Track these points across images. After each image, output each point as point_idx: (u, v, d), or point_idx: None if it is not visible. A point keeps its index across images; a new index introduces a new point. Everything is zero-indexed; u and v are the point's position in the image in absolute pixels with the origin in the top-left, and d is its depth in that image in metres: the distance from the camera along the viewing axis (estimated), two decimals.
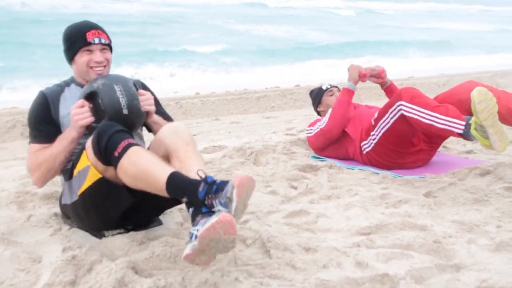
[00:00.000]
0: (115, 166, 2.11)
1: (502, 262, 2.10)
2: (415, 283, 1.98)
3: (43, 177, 2.46)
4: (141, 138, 2.72)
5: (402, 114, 3.26)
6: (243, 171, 3.55)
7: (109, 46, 2.61)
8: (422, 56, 16.28)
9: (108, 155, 2.12)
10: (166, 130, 2.31)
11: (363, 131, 3.61)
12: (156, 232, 2.47)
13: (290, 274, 2.04)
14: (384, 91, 3.97)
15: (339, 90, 4.06)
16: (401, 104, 3.25)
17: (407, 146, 3.47)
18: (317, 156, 3.91)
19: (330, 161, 3.74)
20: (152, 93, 2.64)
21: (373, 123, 3.50)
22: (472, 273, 2.02)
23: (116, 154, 2.09)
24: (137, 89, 2.46)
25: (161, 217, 2.65)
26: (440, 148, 3.89)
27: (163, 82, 11.01)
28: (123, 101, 2.34)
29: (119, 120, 2.30)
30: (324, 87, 4.13)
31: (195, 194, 1.93)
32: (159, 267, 2.10)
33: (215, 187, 1.91)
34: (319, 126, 3.80)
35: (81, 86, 2.57)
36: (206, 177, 1.97)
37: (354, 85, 3.77)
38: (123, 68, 11.30)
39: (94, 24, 2.59)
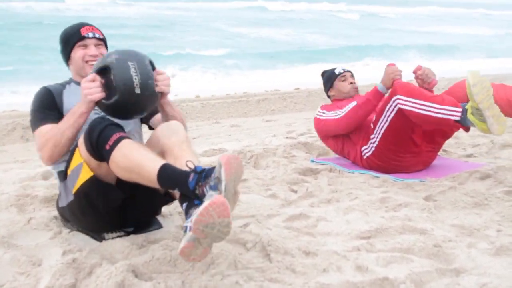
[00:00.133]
0: (107, 159, 2.10)
1: (502, 266, 2.10)
2: (415, 287, 1.98)
3: (51, 151, 2.37)
4: (140, 135, 2.73)
5: (399, 109, 3.26)
6: (243, 175, 3.55)
7: (104, 42, 2.65)
8: (423, 59, 16.29)
9: (100, 149, 2.11)
10: (162, 129, 2.32)
11: (363, 136, 3.60)
12: (156, 235, 2.47)
13: (290, 278, 2.04)
14: None
15: (352, 75, 3.96)
16: (397, 98, 3.26)
17: (407, 145, 3.43)
18: (316, 160, 3.91)
19: (330, 164, 3.74)
20: None
21: (372, 126, 3.50)
22: (472, 277, 2.02)
23: (107, 147, 2.09)
24: (153, 68, 2.33)
25: (161, 220, 2.66)
26: (440, 152, 3.89)
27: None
28: (136, 79, 2.20)
29: (131, 99, 2.22)
30: (337, 71, 3.96)
31: (186, 184, 1.93)
32: (159, 271, 2.10)
33: (204, 174, 1.92)
34: (337, 115, 3.64)
35: (80, 84, 2.58)
36: (195, 167, 1.97)
37: (386, 89, 3.53)
38: None
39: (87, 22, 2.68)
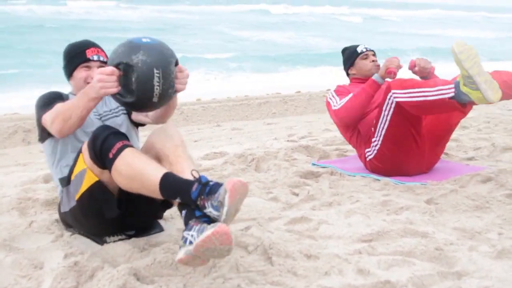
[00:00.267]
0: (110, 168, 2.11)
1: (504, 270, 2.10)
2: None
3: (59, 125, 2.30)
4: (137, 137, 2.75)
5: (396, 104, 3.25)
6: (244, 178, 3.55)
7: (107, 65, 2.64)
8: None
9: (103, 157, 2.13)
10: (156, 133, 2.32)
11: (367, 139, 3.59)
12: (157, 238, 2.48)
13: (292, 281, 2.04)
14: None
15: (374, 54, 3.89)
16: (392, 93, 3.26)
17: (410, 145, 3.41)
18: (317, 163, 3.91)
19: (331, 167, 3.74)
20: None
21: (372, 129, 3.49)
22: (474, 280, 2.02)
23: (110, 155, 2.10)
24: (176, 65, 2.22)
25: (162, 223, 2.66)
26: (442, 155, 3.88)
27: None
28: (157, 89, 2.11)
29: (145, 104, 2.18)
30: (359, 50, 3.85)
31: (188, 194, 1.94)
32: (160, 274, 2.10)
33: (208, 189, 1.92)
34: (334, 105, 3.60)
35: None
36: (200, 177, 1.97)
37: (382, 79, 3.52)
38: None
39: (94, 43, 2.67)
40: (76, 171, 2.30)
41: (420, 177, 3.47)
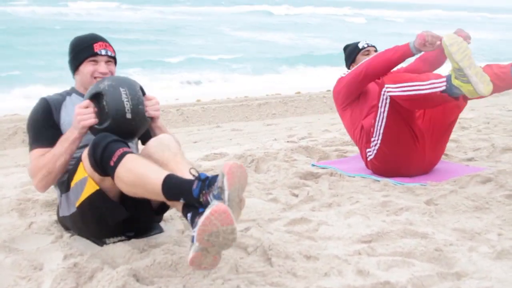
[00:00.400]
0: (112, 176, 2.11)
1: (503, 270, 2.10)
2: None
3: (44, 179, 2.40)
4: (137, 148, 2.74)
5: (391, 99, 3.26)
6: None
7: (114, 59, 2.64)
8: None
9: (104, 165, 2.12)
10: (153, 144, 2.30)
11: (367, 139, 3.58)
12: (157, 239, 2.47)
13: (292, 282, 2.04)
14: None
15: (376, 50, 3.89)
16: (386, 88, 3.27)
17: (409, 142, 3.40)
18: (317, 164, 3.92)
19: (331, 168, 3.74)
20: None
21: (372, 129, 3.49)
22: (473, 281, 2.02)
23: (111, 163, 2.09)
24: (143, 94, 2.44)
25: (162, 224, 2.66)
26: (442, 156, 3.88)
27: (163, 88, 11.04)
28: (127, 105, 2.31)
29: (122, 124, 2.30)
30: (360, 45, 3.86)
31: (190, 193, 1.93)
32: (160, 275, 2.10)
33: (208, 182, 1.91)
34: (363, 62, 3.57)
35: (82, 95, 2.58)
36: (199, 174, 1.96)
37: (416, 49, 3.39)
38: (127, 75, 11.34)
39: (101, 37, 2.66)
40: (76, 179, 2.30)
41: (419, 178, 3.47)
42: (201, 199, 1.91)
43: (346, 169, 3.72)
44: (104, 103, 2.30)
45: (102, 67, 2.57)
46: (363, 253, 2.31)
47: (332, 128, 5.89)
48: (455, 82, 2.99)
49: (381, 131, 3.41)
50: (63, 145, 2.37)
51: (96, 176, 2.19)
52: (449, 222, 2.67)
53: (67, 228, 2.57)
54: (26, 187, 3.32)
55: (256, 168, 3.88)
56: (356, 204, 2.99)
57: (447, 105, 3.32)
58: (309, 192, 3.22)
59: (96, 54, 2.56)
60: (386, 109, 3.32)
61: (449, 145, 4.04)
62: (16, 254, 2.33)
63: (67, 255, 2.29)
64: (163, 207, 2.43)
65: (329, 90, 9.46)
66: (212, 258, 1.85)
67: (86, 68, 2.57)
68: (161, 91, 10.08)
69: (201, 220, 1.77)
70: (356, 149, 4.24)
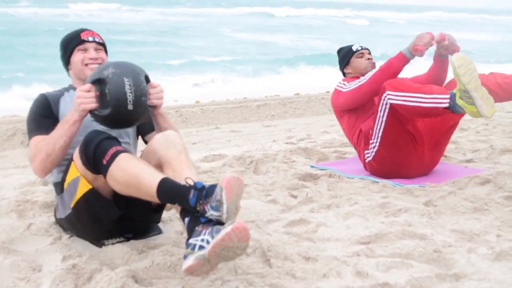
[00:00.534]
0: (104, 174, 2.11)
1: (502, 272, 2.10)
2: None
3: (43, 162, 2.34)
4: (135, 147, 2.74)
5: (390, 105, 3.25)
6: (243, 180, 3.55)
7: (103, 47, 2.67)
8: (423, 64, 16.25)
9: (96, 163, 2.11)
10: (158, 140, 2.29)
11: (366, 141, 3.58)
12: (156, 241, 2.47)
13: (290, 283, 2.04)
14: (434, 59, 3.67)
15: (369, 53, 3.91)
16: (387, 95, 3.25)
17: (408, 145, 3.40)
18: (316, 165, 3.92)
19: (329, 170, 3.74)
20: None
21: (370, 132, 3.49)
22: (472, 283, 2.02)
23: (104, 162, 2.09)
24: (148, 81, 2.39)
25: (161, 225, 2.65)
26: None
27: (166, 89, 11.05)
28: (130, 96, 2.24)
29: (122, 114, 2.26)
30: (354, 48, 3.87)
31: (186, 201, 1.93)
32: (159, 276, 2.10)
33: (205, 192, 1.91)
34: (358, 82, 3.56)
35: None
36: (195, 183, 1.96)
37: (411, 54, 3.41)
38: None
39: (87, 28, 2.71)
40: (68, 179, 2.29)
41: (418, 179, 3.47)
42: (198, 208, 1.92)
43: (345, 171, 3.73)
44: (107, 90, 2.25)
45: (91, 53, 2.59)
46: (362, 254, 2.31)
47: (331, 130, 5.89)
48: (459, 101, 2.98)
49: (380, 135, 3.41)
50: (63, 127, 2.33)
51: (89, 174, 2.19)
52: (447, 223, 2.68)
53: (65, 229, 2.56)
54: (25, 188, 3.32)
55: (255, 170, 3.88)
56: (355, 205, 2.99)
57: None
58: (308, 194, 3.22)
59: (83, 42, 2.59)
60: (386, 113, 3.32)
61: (448, 146, 4.05)
62: (14, 255, 2.32)
63: (65, 257, 2.29)
64: (161, 204, 2.43)
65: (328, 92, 9.47)
66: (209, 268, 1.85)
67: (76, 57, 2.60)
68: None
69: (220, 235, 1.77)
70: (354, 150, 4.24)
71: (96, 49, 2.62)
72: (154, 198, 2.02)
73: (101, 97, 2.27)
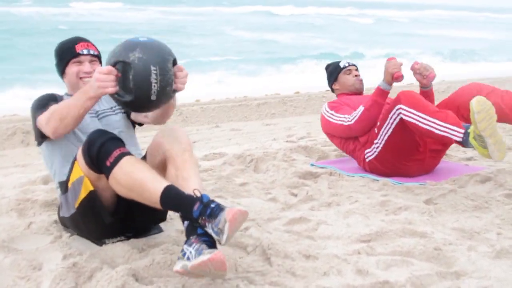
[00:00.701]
0: (107, 176, 2.11)
1: (503, 270, 2.10)
2: None
3: (56, 124, 2.28)
4: (135, 137, 2.75)
5: (401, 119, 3.25)
6: (243, 178, 3.55)
7: (98, 58, 2.65)
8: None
9: (100, 164, 2.11)
10: (164, 134, 2.30)
11: (368, 139, 3.58)
12: (156, 239, 2.47)
13: (291, 282, 2.04)
14: (421, 92, 3.64)
15: (357, 69, 3.93)
16: (400, 108, 3.23)
17: (411, 153, 3.42)
18: (316, 164, 3.91)
19: (330, 168, 3.74)
20: None
21: (376, 131, 3.49)
22: (473, 281, 2.02)
23: (108, 163, 2.08)
24: (175, 64, 2.19)
25: (161, 224, 2.65)
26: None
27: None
28: (155, 86, 2.08)
29: (143, 102, 2.14)
30: (341, 65, 3.92)
31: (190, 212, 1.96)
32: (159, 275, 2.10)
33: (209, 211, 1.93)
34: (347, 121, 3.57)
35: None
36: (201, 196, 1.98)
37: (389, 85, 3.48)
38: None
39: (83, 38, 2.67)
40: (72, 178, 2.29)
41: (419, 178, 3.47)
42: (199, 221, 1.95)
43: (345, 169, 3.72)
44: (131, 77, 2.07)
45: (86, 66, 2.57)
46: (362, 252, 2.31)
47: None
48: (472, 141, 2.97)
49: (385, 138, 3.40)
50: (80, 98, 2.22)
51: (92, 174, 2.18)
52: (448, 221, 2.67)
53: (67, 227, 2.56)
54: (25, 187, 3.32)
55: (255, 168, 3.88)
56: (355, 203, 2.99)
57: None
58: (308, 192, 3.22)
59: (78, 55, 2.58)
60: (395, 122, 3.30)
61: None
62: (15, 254, 2.32)
63: (66, 255, 2.29)
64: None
65: (328, 90, 9.45)
66: (194, 275, 1.92)
67: (71, 69, 2.58)
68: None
69: (198, 260, 1.83)
70: None
71: (90, 61, 2.60)
72: (156, 205, 2.03)
73: (123, 81, 2.10)
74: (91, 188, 2.22)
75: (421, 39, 23.70)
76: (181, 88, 2.23)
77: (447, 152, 4.10)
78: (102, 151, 2.10)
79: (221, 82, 12.68)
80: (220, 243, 1.92)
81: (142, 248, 2.35)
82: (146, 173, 2.06)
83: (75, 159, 2.28)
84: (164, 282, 2.04)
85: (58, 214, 2.56)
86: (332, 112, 3.70)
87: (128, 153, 2.12)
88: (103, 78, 2.10)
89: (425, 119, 3.13)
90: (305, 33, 25.36)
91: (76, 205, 2.30)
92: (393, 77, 3.43)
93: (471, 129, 2.97)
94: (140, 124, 2.78)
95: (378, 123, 3.45)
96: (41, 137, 2.51)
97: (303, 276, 2.08)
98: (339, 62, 3.99)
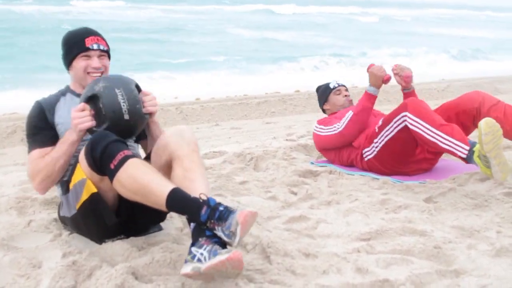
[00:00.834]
0: (111, 179, 2.10)
1: (502, 268, 2.10)
2: None
3: (44, 182, 2.42)
4: (134, 148, 2.73)
5: (406, 125, 3.26)
6: (243, 177, 3.55)
7: (107, 53, 2.61)
8: (423, 62, 16.26)
9: (103, 166, 2.10)
10: (171, 134, 2.29)
11: (366, 138, 3.59)
12: (156, 237, 2.47)
13: (290, 280, 2.04)
14: (404, 95, 3.73)
15: (346, 89, 4.00)
16: (406, 116, 3.24)
17: (410, 155, 3.45)
18: (316, 162, 3.91)
19: (330, 166, 3.74)
20: None
21: (376, 130, 3.49)
22: (472, 279, 2.02)
23: (112, 166, 2.07)
24: (139, 91, 2.42)
25: (161, 222, 2.65)
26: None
27: (163, 87, 11.03)
28: (124, 105, 2.28)
29: (120, 125, 2.29)
30: (331, 86, 4.00)
31: (197, 216, 1.95)
32: (159, 273, 2.10)
33: (218, 214, 1.93)
34: (337, 128, 3.63)
35: (77, 95, 2.58)
36: (208, 199, 1.98)
37: (377, 89, 3.59)
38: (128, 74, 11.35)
39: (93, 31, 2.61)
40: (74, 180, 2.28)
41: (418, 176, 3.47)
42: (208, 224, 1.95)
43: (345, 167, 3.72)
44: (101, 105, 2.29)
45: (95, 62, 2.53)
46: (362, 250, 2.31)
47: None
48: (476, 160, 3.00)
49: (385, 140, 3.42)
50: (62, 148, 2.37)
51: (95, 176, 2.17)
52: (448, 219, 2.67)
53: (67, 226, 2.56)
54: (24, 185, 3.32)
55: (255, 166, 3.88)
56: (355, 202, 2.99)
57: None
58: (308, 190, 3.22)
59: (88, 49, 2.53)
60: (398, 129, 3.33)
61: None
62: (14, 252, 2.32)
63: (65, 253, 2.29)
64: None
65: None
66: (205, 277, 1.92)
67: (79, 63, 2.54)
68: (157, 89, 10.06)
69: (215, 260, 1.83)
70: None
71: (99, 56, 2.56)
72: (162, 208, 2.02)
73: (97, 113, 2.31)
74: (94, 191, 2.21)
75: (423, 38, 23.63)
76: (152, 110, 2.42)
77: None
78: (105, 154, 2.08)
79: (220, 80, 12.67)
80: (231, 246, 1.93)
81: (142, 246, 2.35)
82: (151, 176, 2.05)
83: (77, 160, 2.27)
84: (164, 280, 2.04)
85: (58, 212, 2.56)
86: (321, 126, 3.78)
87: (132, 156, 2.10)
88: (78, 115, 2.29)
89: (430, 130, 3.15)
90: (307, 31, 25.32)
91: (77, 206, 2.29)
92: (383, 80, 3.55)
93: (476, 148, 3.00)
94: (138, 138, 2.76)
95: (380, 122, 3.45)
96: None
97: (303, 275, 2.08)
98: (328, 83, 4.07)
